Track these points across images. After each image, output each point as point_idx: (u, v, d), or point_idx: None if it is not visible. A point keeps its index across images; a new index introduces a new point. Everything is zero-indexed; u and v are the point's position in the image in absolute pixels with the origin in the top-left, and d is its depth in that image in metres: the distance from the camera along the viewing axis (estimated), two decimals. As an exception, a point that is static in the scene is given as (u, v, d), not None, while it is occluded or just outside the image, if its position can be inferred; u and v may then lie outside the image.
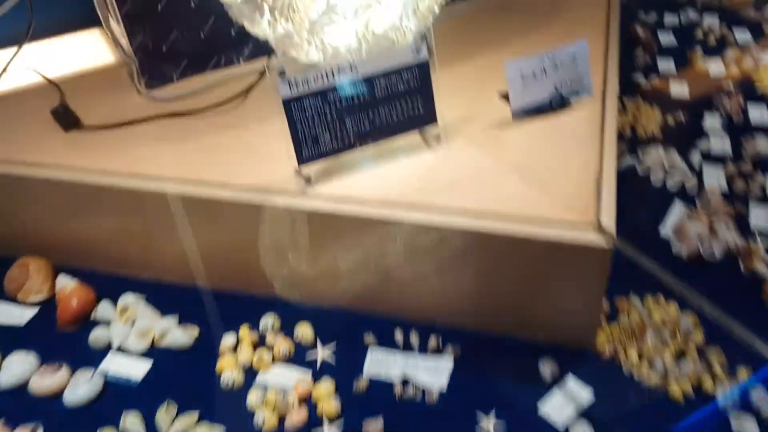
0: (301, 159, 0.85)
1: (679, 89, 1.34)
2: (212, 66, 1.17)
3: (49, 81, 1.15)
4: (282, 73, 0.80)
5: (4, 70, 1.13)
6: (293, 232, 0.87)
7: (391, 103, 0.88)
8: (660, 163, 1.14)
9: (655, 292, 0.91)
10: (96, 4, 1.12)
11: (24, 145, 1.00)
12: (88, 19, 1.22)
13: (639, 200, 1.08)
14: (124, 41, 1.11)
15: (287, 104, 0.82)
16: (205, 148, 0.97)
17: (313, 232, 0.87)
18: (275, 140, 0.85)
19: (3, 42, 1.16)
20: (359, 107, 0.86)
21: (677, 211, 1.04)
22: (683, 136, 1.22)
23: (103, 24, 1.16)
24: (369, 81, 0.86)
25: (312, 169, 0.88)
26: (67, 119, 1.02)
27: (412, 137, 0.93)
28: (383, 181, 0.87)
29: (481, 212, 0.80)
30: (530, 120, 0.96)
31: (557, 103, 0.96)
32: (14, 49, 1.14)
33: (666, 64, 1.43)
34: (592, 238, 0.75)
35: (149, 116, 1.03)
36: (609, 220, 0.75)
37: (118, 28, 1.11)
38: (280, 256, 0.90)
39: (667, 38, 1.53)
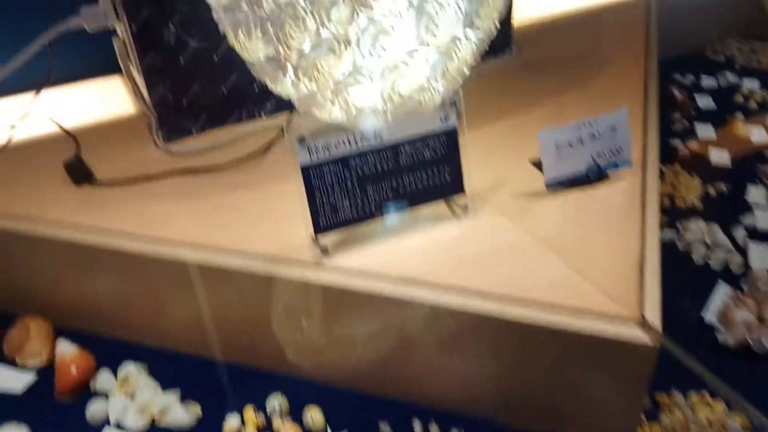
0: (318, 228, 0.79)
1: (720, 156, 1.27)
2: (233, 120, 1.13)
3: (66, 131, 1.12)
4: (302, 139, 0.75)
5: (21, 118, 1.11)
6: (307, 305, 0.81)
7: (416, 172, 0.83)
8: (701, 238, 1.06)
9: (700, 388, 0.83)
10: (118, 54, 1.10)
11: (32, 200, 0.96)
12: (110, 67, 1.20)
13: (679, 280, 1.00)
14: (143, 92, 1.08)
15: (305, 171, 0.77)
16: (220, 209, 0.92)
17: (327, 307, 0.80)
18: (293, 202, 0.80)
19: (23, 87, 1.14)
20: (382, 175, 0.81)
21: (721, 293, 0.96)
22: (726, 208, 1.15)
23: (124, 73, 1.13)
24: (393, 147, 0.81)
25: (330, 238, 0.82)
26: (79, 173, 0.99)
27: (438, 205, 0.88)
28: (405, 255, 0.81)
29: (509, 296, 0.74)
30: (565, 191, 0.90)
31: (594, 175, 0.90)
32: (33, 94, 1.12)
33: (705, 129, 1.36)
34: (636, 334, 0.68)
35: (163, 172, 0.99)
36: (654, 314, 0.68)
37: (138, 79, 1.08)
38: (292, 331, 0.84)
39: (705, 101, 1.47)
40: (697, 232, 1.07)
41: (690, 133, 1.35)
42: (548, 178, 0.88)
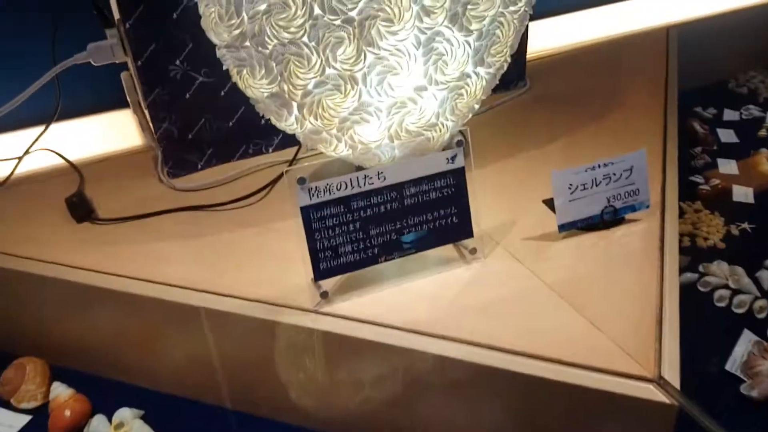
0: (318, 273, 0.76)
1: (743, 193, 1.22)
2: (239, 155, 1.12)
3: (71, 165, 1.11)
4: (302, 180, 0.73)
5: (26, 152, 1.10)
6: (306, 351, 0.78)
7: (421, 214, 0.79)
8: (724, 281, 1.01)
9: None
10: (125, 88, 1.09)
11: (32, 237, 0.94)
12: (119, 101, 1.19)
13: (700, 326, 0.95)
14: (149, 127, 1.07)
15: (305, 211, 0.74)
16: (220, 248, 0.90)
17: (327, 353, 0.77)
18: (296, 242, 0.77)
19: (31, 120, 1.14)
20: (386, 217, 0.78)
21: (745, 341, 0.91)
22: (750, 249, 1.09)
23: (132, 107, 1.12)
24: (398, 188, 0.78)
25: (331, 281, 0.79)
26: (80, 210, 0.97)
27: (446, 247, 0.84)
28: (409, 302, 0.77)
29: (519, 347, 0.69)
30: (579, 235, 0.86)
31: (610, 218, 0.86)
32: (40, 128, 1.11)
33: (727, 165, 1.31)
34: (652, 392, 0.63)
35: (165, 210, 0.97)
36: (672, 371, 0.64)
37: (144, 113, 1.07)
38: (291, 377, 0.81)
39: (727, 135, 1.42)
40: (720, 274, 1.02)
41: (712, 169, 1.31)
42: (561, 221, 0.84)
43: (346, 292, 0.79)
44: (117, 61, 1.03)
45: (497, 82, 1.00)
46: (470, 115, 1.00)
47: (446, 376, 0.72)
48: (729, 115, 1.50)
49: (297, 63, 0.83)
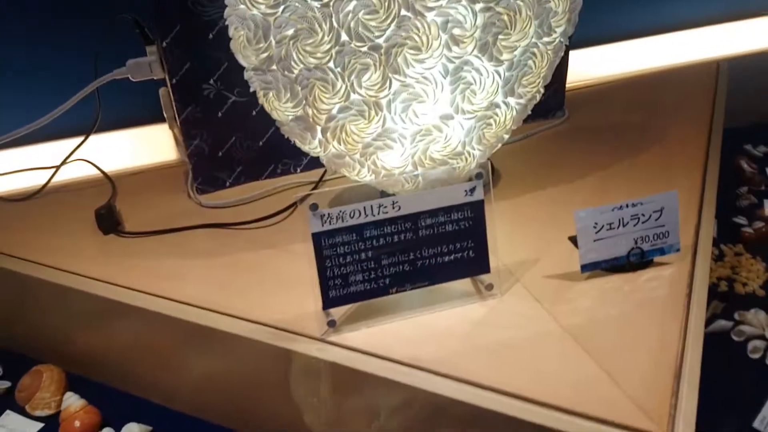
0: (327, 302, 0.75)
1: (791, 240, 1.16)
2: (267, 174, 1.12)
3: (106, 176, 1.14)
4: (314, 206, 0.72)
5: (64, 162, 1.13)
6: (311, 379, 0.77)
7: (436, 246, 0.78)
8: (760, 330, 0.96)
9: None
10: (162, 104, 1.11)
11: (60, 246, 0.97)
12: (156, 116, 1.22)
13: (730, 377, 0.90)
14: (182, 142, 1.09)
15: (317, 238, 0.73)
16: (238, 268, 0.90)
17: (333, 383, 0.76)
18: (308, 267, 0.76)
19: (69, 132, 1.17)
20: (399, 247, 0.76)
21: (781, 400, 0.85)
22: (793, 299, 1.03)
23: (168, 122, 1.15)
24: (413, 219, 0.76)
25: (340, 310, 0.78)
26: (107, 222, 0.99)
27: (462, 281, 0.82)
28: (419, 335, 0.75)
29: (527, 392, 0.67)
30: (604, 276, 0.83)
31: (637, 260, 0.82)
32: (79, 139, 1.14)
33: (775, 208, 1.25)
34: (664, 453, 0.59)
35: (187, 226, 0.98)
36: (687, 429, 0.60)
37: (177, 130, 1.09)
38: (297, 403, 0.80)
39: (777, 176, 1.35)
40: (756, 324, 0.97)
41: (757, 210, 1.24)
42: (584, 261, 0.81)
43: (355, 321, 0.78)
44: (155, 78, 1.06)
45: (529, 112, 0.98)
46: (499, 145, 0.98)
47: (449, 417, 0.70)
48: (781, 154, 1.43)
49: (322, 88, 0.83)
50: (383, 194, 0.98)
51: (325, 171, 1.08)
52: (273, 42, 0.80)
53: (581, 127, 1.23)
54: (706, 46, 1.53)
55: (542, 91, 0.96)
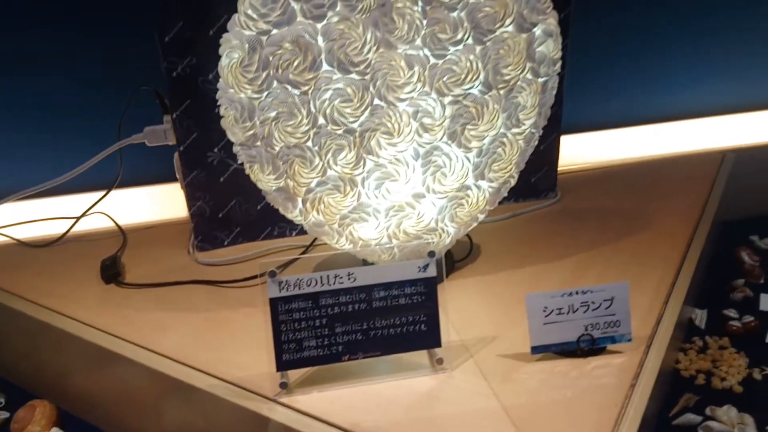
0: (280, 365, 0.80)
1: (780, 336, 1.14)
2: (264, 236, 1.20)
3: (120, 228, 1.24)
4: (273, 273, 0.78)
5: (84, 214, 1.24)
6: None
7: (389, 318, 0.82)
8: (729, 428, 0.94)
9: None
10: (175, 166, 1.22)
11: (62, 292, 1.06)
12: (172, 176, 1.32)
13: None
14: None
15: (274, 303, 0.79)
16: (215, 324, 0.96)
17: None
18: (269, 330, 0.82)
19: (92, 185, 1.28)
20: (353, 317, 0.81)
21: (737, 501, 0.84)
22: (770, 399, 1.02)
23: (180, 183, 1.25)
24: (367, 290, 0.81)
25: (295, 373, 0.82)
26: (110, 272, 1.08)
27: (416, 353, 0.86)
28: (366, 403, 0.79)
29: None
30: (554, 360, 0.85)
31: (587, 346, 0.84)
32: (101, 193, 1.25)
33: (770, 302, 1.23)
34: None
35: (179, 281, 1.06)
36: None
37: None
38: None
39: (779, 270, 1.34)
40: (727, 421, 0.95)
41: (751, 305, 1.23)
42: (534, 343, 0.84)
43: (308, 385, 0.82)
44: (169, 143, 1.16)
45: (505, 194, 1.03)
46: (475, 224, 1.03)
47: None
48: (787, 247, 1.42)
49: (301, 164, 0.90)
50: (365, 262, 1.04)
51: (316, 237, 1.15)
52: (257, 122, 0.89)
53: (572, 210, 1.26)
54: (716, 136, 1.55)
55: (515, 176, 1.01)
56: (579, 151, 1.47)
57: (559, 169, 1.31)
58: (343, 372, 0.83)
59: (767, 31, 1.55)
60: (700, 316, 1.21)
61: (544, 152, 1.25)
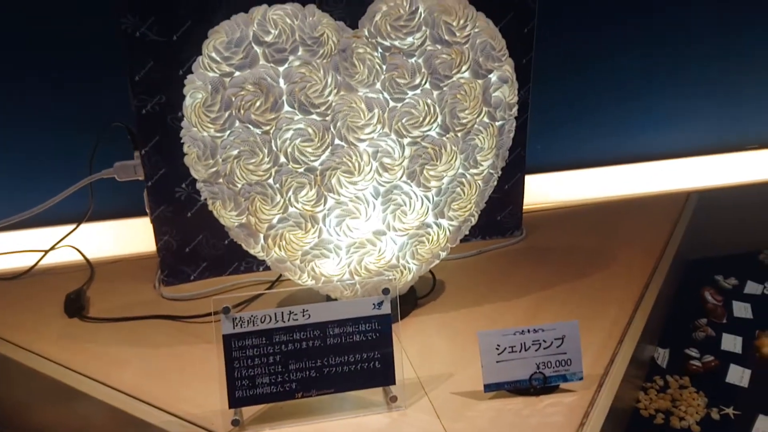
0: (233, 401, 0.80)
1: (739, 375, 1.16)
2: (231, 271, 1.21)
3: (88, 262, 1.25)
4: (227, 309, 0.79)
5: (52, 247, 1.25)
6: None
7: (343, 355, 0.83)
8: (686, 469, 0.95)
9: None
10: (146, 201, 1.23)
11: (25, 325, 1.06)
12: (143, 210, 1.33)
13: None
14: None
15: (227, 340, 0.80)
16: (173, 359, 0.97)
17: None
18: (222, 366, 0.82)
19: (64, 219, 1.29)
20: (307, 354, 0.82)
21: None
22: (728, 438, 1.03)
23: (150, 217, 1.26)
24: (321, 327, 0.82)
25: (249, 410, 0.83)
26: (73, 306, 1.08)
27: (371, 390, 0.86)
28: (318, 440, 0.80)
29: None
30: (506, 398, 0.86)
31: (540, 384, 0.85)
32: (71, 226, 1.26)
33: (731, 342, 1.25)
34: None
35: (140, 316, 1.07)
36: None
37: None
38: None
39: (742, 310, 1.36)
40: (682, 462, 0.96)
41: (713, 344, 1.25)
42: (487, 381, 0.85)
43: (261, 422, 0.82)
44: (139, 179, 1.18)
45: (466, 232, 1.04)
46: (436, 261, 1.05)
47: None
48: (751, 288, 1.44)
49: (262, 200, 0.92)
50: (329, 299, 1.05)
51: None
52: (220, 159, 0.91)
53: (536, 248, 1.28)
54: (682, 177, 1.58)
55: (476, 214, 1.03)
56: (546, 190, 1.49)
57: (526, 207, 1.34)
58: (297, 409, 0.84)
59: (732, 76, 1.60)
60: (662, 355, 1.22)
61: (509, 191, 1.28)
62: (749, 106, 1.65)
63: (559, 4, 1.41)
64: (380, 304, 0.84)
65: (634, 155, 1.60)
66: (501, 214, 1.30)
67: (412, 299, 1.09)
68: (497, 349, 0.84)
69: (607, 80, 1.53)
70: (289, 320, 0.82)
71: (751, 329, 1.28)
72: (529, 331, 0.85)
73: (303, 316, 0.82)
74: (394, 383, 0.84)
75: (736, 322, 1.32)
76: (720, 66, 1.58)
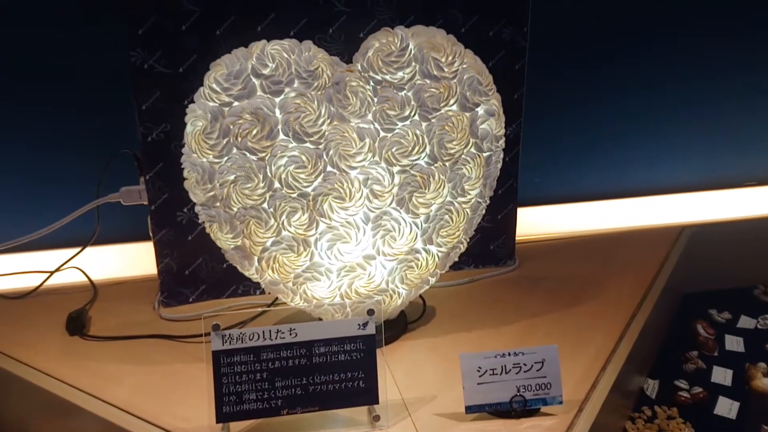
0: (220, 416, 0.83)
1: (727, 408, 1.16)
2: (229, 294, 1.25)
3: (92, 283, 1.29)
4: (216, 327, 0.83)
5: (58, 269, 1.30)
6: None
7: (329, 374, 0.86)
8: (668, 498, 0.96)
9: None
10: (149, 224, 1.28)
11: (30, 343, 1.09)
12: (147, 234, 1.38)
13: None
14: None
15: (216, 356, 0.83)
16: (166, 377, 1.00)
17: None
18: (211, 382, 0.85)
19: (70, 242, 1.34)
20: (293, 372, 0.85)
21: None
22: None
23: (152, 240, 1.30)
24: (307, 345, 0.85)
25: (237, 426, 0.85)
26: (75, 325, 1.12)
27: (355, 409, 0.89)
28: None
29: None
30: (487, 420, 0.88)
31: (520, 407, 0.87)
32: (77, 249, 1.31)
33: (721, 375, 1.26)
34: None
35: (138, 335, 1.10)
36: None
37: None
38: None
39: (734, 344, 1.37)
40: (665, 491, 0.97)
41: (703, 377, 1.25)
42: (468, 403, 0.87)
43: (247, 437, 0.85)
44: (144, 203, 1.22)
45: (455, 259, 1.08)
46: (426, 286, 1.08)
47: None
48: (744, 322, 1.45)
49: (256, 224, 0.96)
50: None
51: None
52: (217, 184, 0.95)
53: (528, 277, 1.31)
54: (677, 212, 1.60)
55: (465, 241, 1.06)
56: (541, 222, 1.52)
57: (520, 238, 1.37)
58: (284, 426, 0.86)
59: (727, 112, 1.64)
60: (652, 386, 1.23)
61: (502, 221, 1.31)
62: (743, 143, 1.68)
63: (554, 43, 1.46)
64: (365, 324, 0.87)
65: (629, 190, 1.63)
66: (494, 243, 1.33)
67: (402, 324, 1.12)
68: (478, 371, 0.87)
69: (602, 118, 1.57)
70: (276, 338, 0.85)
71: (742, 362, 1.29)
72: (509, 354, 0.87)
73: (290, 334, 0.85)
74: (377, 402, 0.87)
75: (728, 356, 1.33)
76: (715, 103, 1.62)
